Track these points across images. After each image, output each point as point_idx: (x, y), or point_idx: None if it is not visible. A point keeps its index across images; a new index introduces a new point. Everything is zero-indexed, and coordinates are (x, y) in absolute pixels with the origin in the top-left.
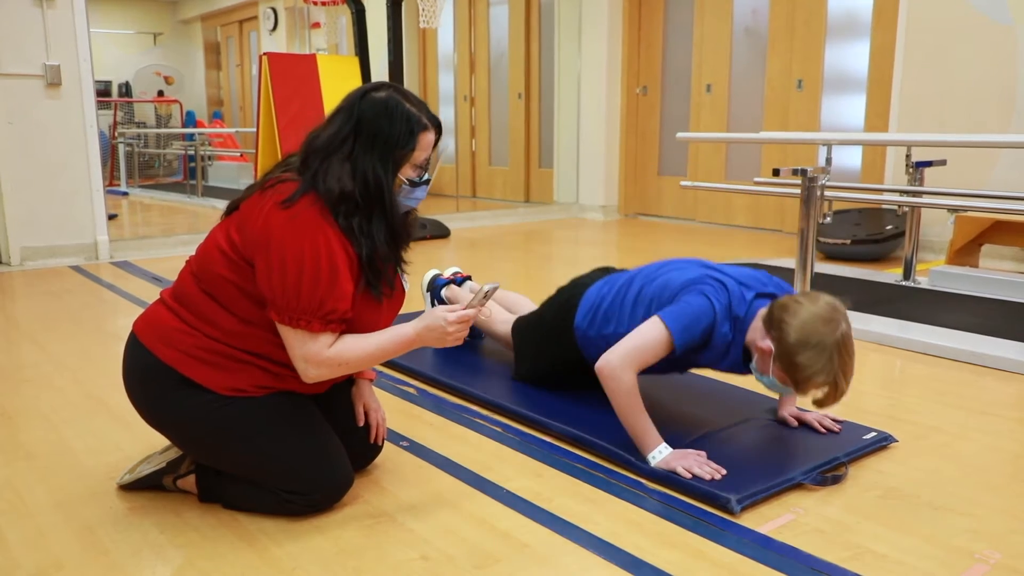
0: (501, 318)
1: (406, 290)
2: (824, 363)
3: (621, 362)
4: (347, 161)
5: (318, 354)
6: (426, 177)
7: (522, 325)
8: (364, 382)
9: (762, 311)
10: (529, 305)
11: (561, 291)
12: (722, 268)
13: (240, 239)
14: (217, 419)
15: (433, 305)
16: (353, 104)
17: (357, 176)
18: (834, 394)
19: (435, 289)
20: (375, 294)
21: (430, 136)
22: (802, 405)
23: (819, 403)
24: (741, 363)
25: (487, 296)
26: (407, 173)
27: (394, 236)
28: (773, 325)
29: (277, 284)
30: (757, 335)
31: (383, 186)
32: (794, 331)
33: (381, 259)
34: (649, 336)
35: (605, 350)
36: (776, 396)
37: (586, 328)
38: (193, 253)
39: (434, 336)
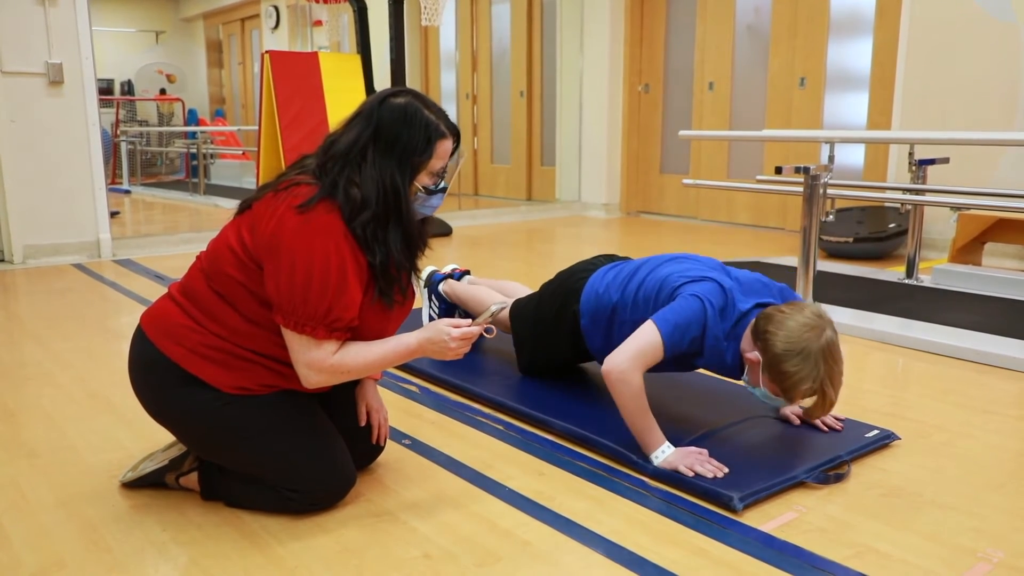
0: (496, 299)
1: (416, 296)
2: (810, 369)
3: (628, 364)
4: (365, 168)
5: (321, 361)
6: (442, 185)
7: (521, 309)
8: (368, 382)
9: (752, 322)
10: (523, 290)
11: (561, 276)
12: (728, 271)
13: (251, 240)
14: (221, 416)
15: (430, 301)
16: (372, 110)
17: (375, 184)
18: (822, 402)
19: (432, 285)
20: (387, 302)
21: (447, 144)
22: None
23: (809, 413)
24: (738, 371)
25: (493, 316)
26: (423, 181)
27: (409, 244)
28: (759, 336)
29: (284, 289)
30: (747, 346)
31: (400, 194)
32: (780, 341)
33: (395, 267)
34: (645, 339)
35: (608, 337)
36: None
37: (591, 314)
38: (203, 249)
39: (436, 349)
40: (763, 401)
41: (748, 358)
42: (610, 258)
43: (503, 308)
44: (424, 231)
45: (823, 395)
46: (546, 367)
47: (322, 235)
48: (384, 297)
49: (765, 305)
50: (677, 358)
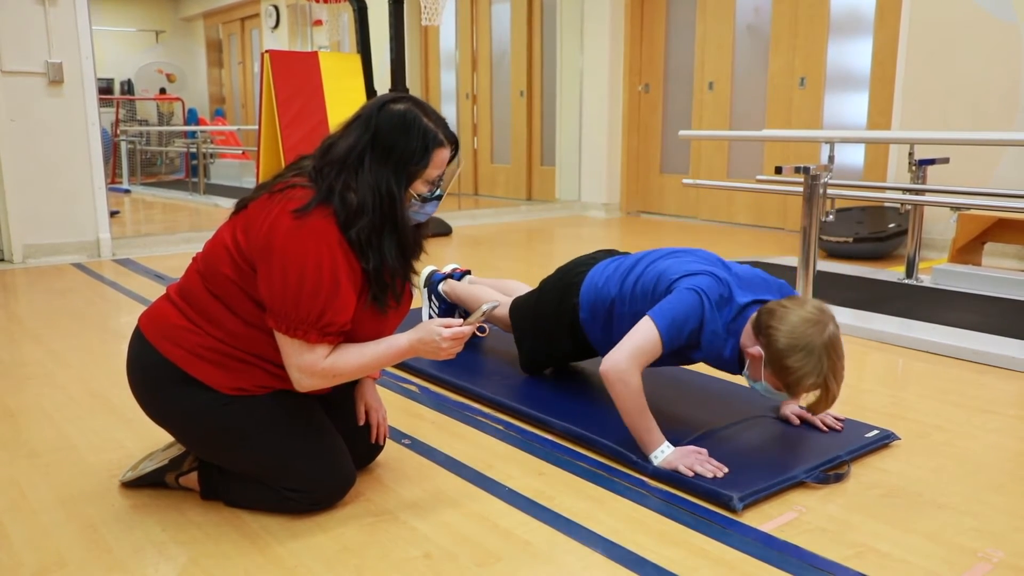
0: (494, 299)
1: (413, 298)
2: (814, 365)
3: (627, 364)
4: (362, 174)
5: (313, 365)
6: (437, 193)
7: (520, 305)
8: (367, 381)
9: (752, 316)
10: (523, 288)
11: (561, 271)
12: (727, 265)
13: (245, 242)
14: (219, 417)
15: (430, 301)
16: (371, 115)
17: (370, 190)
18: (826, 397)
19: (432, 285)
20: (380, 308)
21: (445, 153)
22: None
23: (812, 408)
24: (737, 365)
25: (484, 315)
26: (419, 188)
27: (404, 251)
28: (761, 331)
29: (277, 292)
30: (748, 341)
31: (396, 201)
32: (783, 336)
33: (389, 273)
34: (643, 336)
35: (607, 329)
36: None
37: (590, 307)
38: (200, 250)
39: (427, 349)
40: (764, 396)
41: (750, 353)
42: (610, 253)
43: (495, 307)
44: (421, 235)
45: (826, 390)
46: (547, 362)
47: (315, 239)
48: (378, 303)
49: (763, 301)
50: (675, 352)
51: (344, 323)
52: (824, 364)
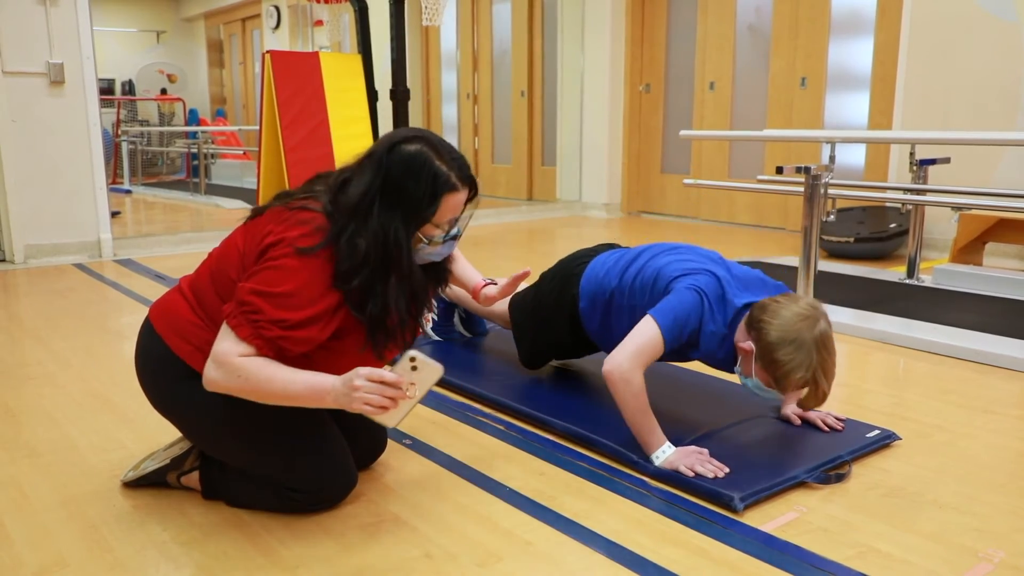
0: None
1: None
2: (803, 358)
3: (629, 364)
4: (371, 221)
5: (227, 354)
6: (454, 233)
7: (519, 299)
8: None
9: (746, 313)
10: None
11: (561, 263)
12: (727, 264)
13: (250, 247)
14: (224, 413)
15: None
16: (382, 156)
17: (375, 238)
18: (815, 392)
19: None
20: (377, 356)
21: (458, 197)
22: None
23: (803, 404)
24: (730, 363)
25: (413, 363)
26: (429, 232)
27: (413, 299)
28: (753, 326)
29: (247, 282)
30: (740, 336)
31: (402, 250)
32: (774, 329)
33: (394, 321)
34: (644, 336)
35: (605, 319)
36: (773, 402)
37: (590, 296)
38: (215, 246)
39: (344, 390)
40: (755, 393)
41: (742, 347)
42: (611, 246)
43: (416, 357)
44: (441, 271)
45: (815, 385)
46: (547, 355)
47: (310, 270)
48: (374, 349)
49: None
50: (674, 350)
51: (282, 342)
52: (814, 358)
